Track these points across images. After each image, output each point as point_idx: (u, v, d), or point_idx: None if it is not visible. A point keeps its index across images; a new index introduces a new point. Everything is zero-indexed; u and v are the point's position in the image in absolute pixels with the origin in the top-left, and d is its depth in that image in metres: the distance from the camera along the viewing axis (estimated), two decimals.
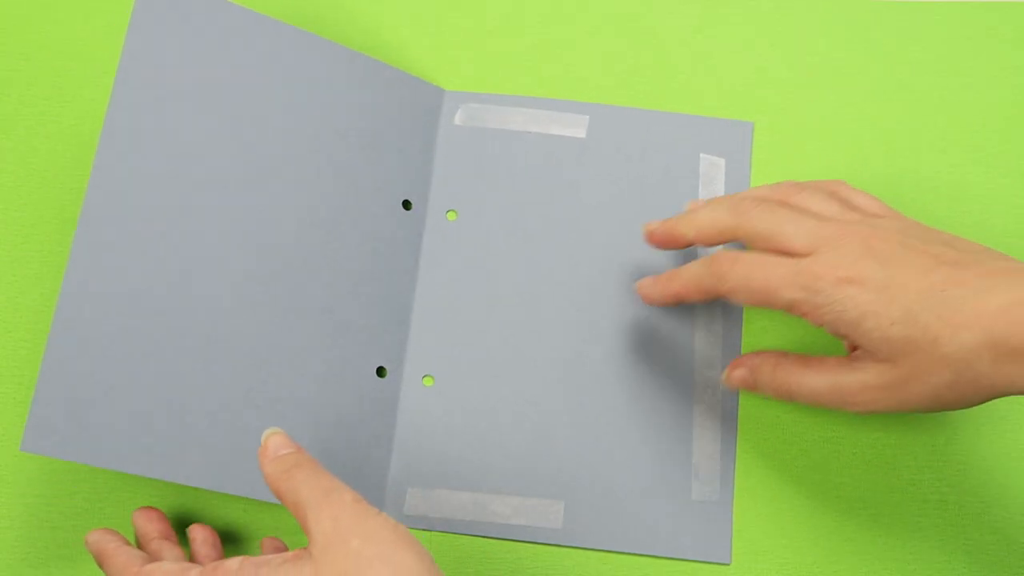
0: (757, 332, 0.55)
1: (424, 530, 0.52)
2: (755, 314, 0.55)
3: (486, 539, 0.52)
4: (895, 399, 0.44)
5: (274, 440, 0.43)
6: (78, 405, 0.45)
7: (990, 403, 0.54)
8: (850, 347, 0.47)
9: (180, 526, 0.51)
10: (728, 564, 0.52)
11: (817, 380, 0.46)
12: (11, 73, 0.58)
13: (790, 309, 0.45)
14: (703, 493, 0.52)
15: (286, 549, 0.49)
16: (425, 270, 0.55)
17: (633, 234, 0.56)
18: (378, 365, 0.53)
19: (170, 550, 0.47)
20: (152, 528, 0.48)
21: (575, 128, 0.57)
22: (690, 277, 0.48)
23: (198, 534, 0.49)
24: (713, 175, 0.57)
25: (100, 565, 0.45)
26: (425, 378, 0.54)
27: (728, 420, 0.53)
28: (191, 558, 0.48)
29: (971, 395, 0.42)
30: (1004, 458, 0.53)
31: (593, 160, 0.57)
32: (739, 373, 0.49)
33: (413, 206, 0.55)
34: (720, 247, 0.53)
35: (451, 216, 0.56)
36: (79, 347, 0.45)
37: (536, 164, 0.57)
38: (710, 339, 0.54)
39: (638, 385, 0.54)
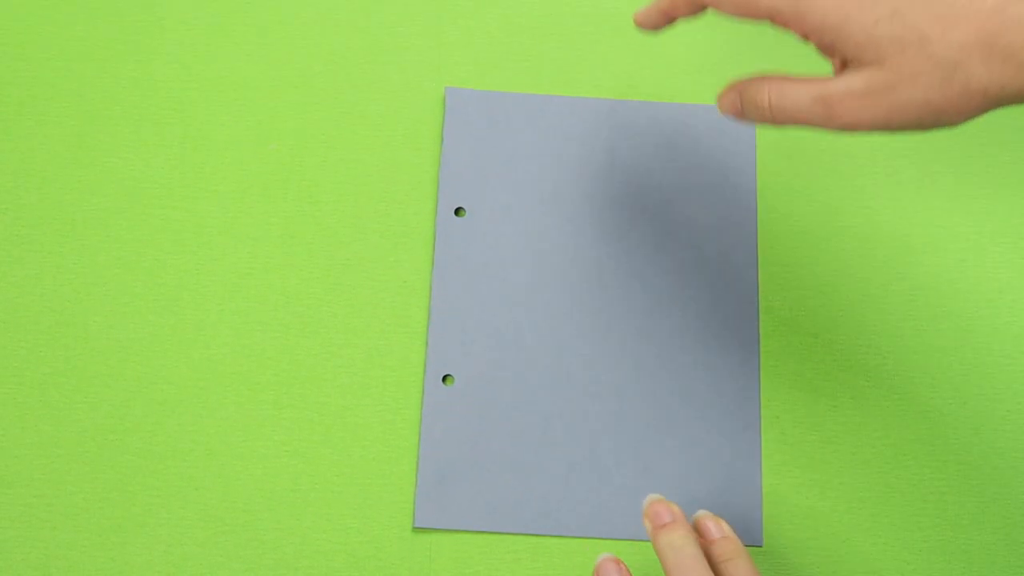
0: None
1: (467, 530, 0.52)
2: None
3: (507, 535, 0.52)
4: (882, 106, 0.41)
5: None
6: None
7: (990, 402, 0.54)
8: (839, 65, 0.45)
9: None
10: (761, 547, 0.52)
11: (801, 91, 0.43)
12: (11, 73, 0.58)
13: (772, 19, 0.43)
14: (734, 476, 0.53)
15: None
16: (439, 268, 0.55)
17: (646, 224, 0.56)
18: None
19: None
20: None
21: (579, 123, 0.58)
22: None
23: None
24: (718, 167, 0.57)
25: None
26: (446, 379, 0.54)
27: (750, 405, 0.54)
28: None
29: (962, 101, 0.40)
30: (1003, 458, 0.54)
31: (599, 153, 0.57)
32: (728, 97, 0.47)
33: None
34: None
35: (460, 214, 0.56)
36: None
37: (543, 158, 0.57)
38: (723, 330, 0.55)
39: (660, 373, 0.54)
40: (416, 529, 0.52)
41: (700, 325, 0.55)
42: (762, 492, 0.53)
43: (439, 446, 0.53)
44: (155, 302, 0.55)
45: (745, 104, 0.45)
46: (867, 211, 0.57)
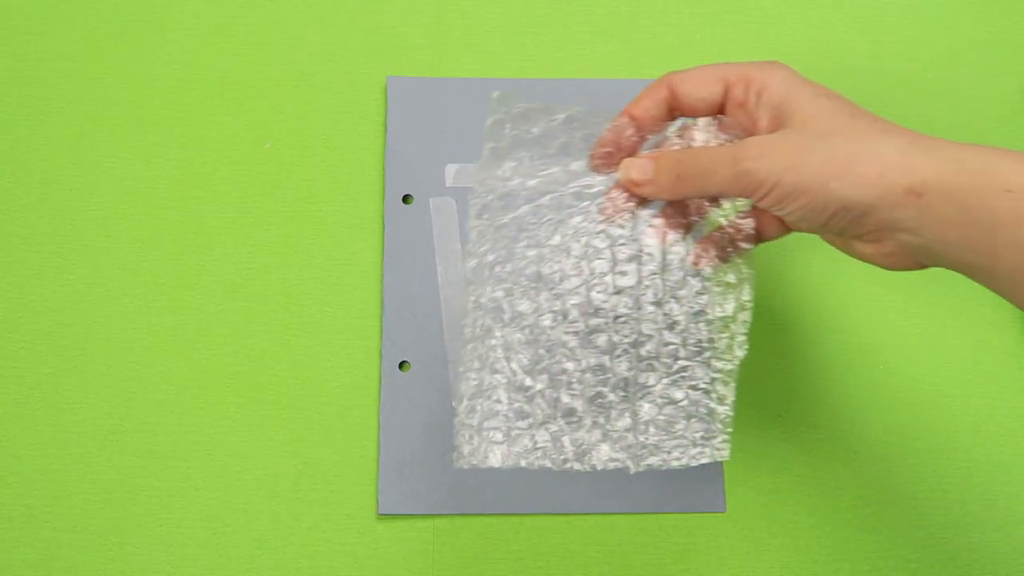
0: None
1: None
2: None
3: (485, 516, 0.52)
4: (787, 155, 0.42)
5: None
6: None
7: (992, 398, 0.54)
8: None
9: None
10: (724, 512, 0.52)
11: (717, 148, 0.45)
12: (11, 73, 0.58)
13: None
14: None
15: None
16: (389, 257, 0.55)
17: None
18: None
19: None
20: None
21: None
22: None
23: None
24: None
25: None
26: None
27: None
28: None
29: (861, 172, 0.40)
30: (1005, 454, 0.53)
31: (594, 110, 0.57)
32: (639, 162, 0.47)
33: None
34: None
35: (408, 201, 0.56)
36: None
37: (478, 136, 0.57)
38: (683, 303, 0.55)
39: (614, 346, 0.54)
40: (380, 516, 0.52)
41: (690, 304, 0.54)
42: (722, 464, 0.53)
43: (399, 433, 0.53)
44: (155, 302, 0.55)
45: (660, 163, 0.46)
46: None
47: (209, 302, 0.55)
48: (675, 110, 0.48)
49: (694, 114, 0.47)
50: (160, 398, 0.53)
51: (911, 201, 0.40)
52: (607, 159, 0.49)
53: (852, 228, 0.42)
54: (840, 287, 0.56)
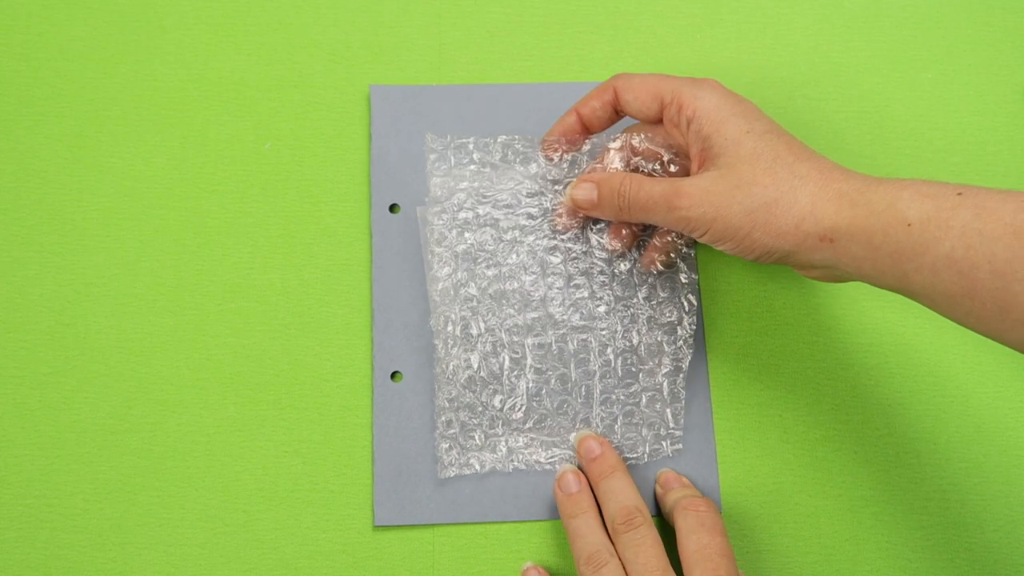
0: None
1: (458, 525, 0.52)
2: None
3: (484, 524, 0.52)
4: (714, 205, 0.46)
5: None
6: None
7: (992, 399, 0.54)
8: (696, 168, 0.49)
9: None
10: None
11: (655, 183, 0.48)
12: (11, 73, 0.58)
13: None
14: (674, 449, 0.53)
15: None
16: (378, 267, 0.55)
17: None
18: None
19: None
20: None
21: (505, 108, 0.58)
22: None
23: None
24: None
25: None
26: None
27: (700, 389, 0.54)
28: None
29: (779, 223, 0.45)
30: (1005, 455, 0.53)
31: (528, 135, 0.57)
32: (584, 188, 0.51)
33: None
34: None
35: (395, 210, 0.56)
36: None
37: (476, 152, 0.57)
38: (666, 317, 0.55)
39: (604, 359, 0.54)
40: (376, 528, 0.52)
41: (639, 311, 0.54)
42: (718, 470, 0.53)
43: (393, 444, 0.53)
44: (155, 302, 0.55)
45: (602, 191, 0.50)
46: None
47: (209, 302, 0.55)
48: (619, 113, 0.52)
49: (635, 119, 0.52)
50: (160, 398, 0.53)
51: (825, 246, 0.44)
52: (556, 147, 0.53)
53: (779, 263, 0.47)
54: (839, 286, 0.56)
